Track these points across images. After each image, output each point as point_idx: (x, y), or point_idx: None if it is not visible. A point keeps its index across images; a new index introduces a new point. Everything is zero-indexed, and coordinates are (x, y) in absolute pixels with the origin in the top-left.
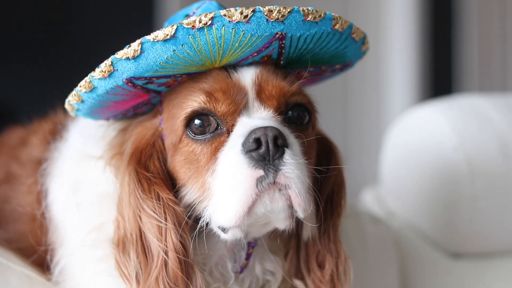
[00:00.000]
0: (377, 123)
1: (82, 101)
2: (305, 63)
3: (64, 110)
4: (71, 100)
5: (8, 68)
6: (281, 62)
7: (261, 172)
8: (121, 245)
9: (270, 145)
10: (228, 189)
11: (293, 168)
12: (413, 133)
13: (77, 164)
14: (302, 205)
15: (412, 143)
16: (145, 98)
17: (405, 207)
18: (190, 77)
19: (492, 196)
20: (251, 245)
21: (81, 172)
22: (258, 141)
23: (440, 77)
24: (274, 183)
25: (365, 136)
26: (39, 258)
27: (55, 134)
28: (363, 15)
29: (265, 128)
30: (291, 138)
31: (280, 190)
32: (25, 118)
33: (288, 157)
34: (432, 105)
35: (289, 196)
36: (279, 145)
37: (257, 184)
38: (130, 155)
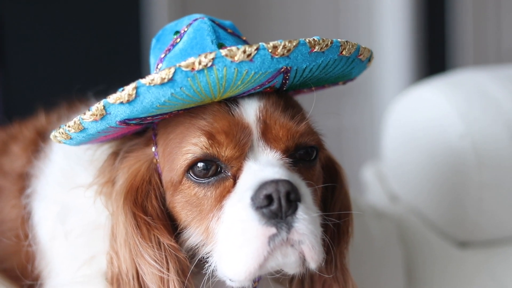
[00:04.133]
0: (372, 98)
1: (70, 138)
2: (308, 85)
3: (45, 114)
4: (58, 137)
5: None
6: (284, 89)
7: (273, 230)
8: (115, 283)
9: (283, 202)
10: (237, 244)
11: (306, 224)
12: (415, 114)
13: (64, 190)
14: (314, 258)
15: (415, 123)
16: (137, 128)
17: (408, 189)
18: (187, 111)
19: (500, 184)
20: (256, 279)
21: (69, 199)
22: (269, 197)
23: (434, 50)
24: (287, 239)
25: (360, 110)
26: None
27: (37, 146)
28: None
29: (277, 182)
30: (303, 188)
31: (292, 245)
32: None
33: (301, 212)
34: (433, 84)
35: (302, 250)
36: (292, 200)
37: (269, 242)
38: (125, 192)
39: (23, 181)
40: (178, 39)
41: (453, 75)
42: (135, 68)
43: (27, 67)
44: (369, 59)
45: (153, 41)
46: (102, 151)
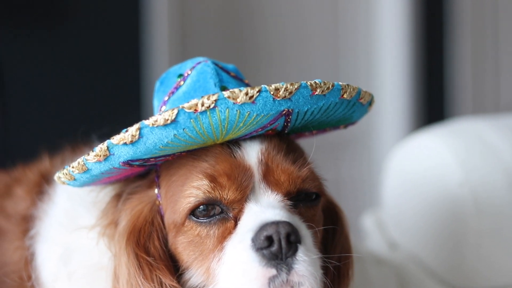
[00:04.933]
0: (371, 148)
1: (74, 179)
2: (309, 128)
3: (49, 157)
4: (62, 178)
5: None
6: (286, 131)
7: (273, 272)
8: None
9: (283, 243)
10: (238, 286)
11: (306, 266)
12: (415, 162)
13: (67, 231)
14: None
15: (414, 172)
16: (140, 170)
17: (408, 237)
18: (190, 152)
19: (499, 231)
20: None
21: (72, 241)
22: (270, 239)
23: (432, 100)
24: (287, 281)
25: (359, 160)
26: None
27: (41, 188)
28: (353, 43)
29: (277, 224)
30: (303, 230)
31: (292, 287)
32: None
33: (301, 254)
34: (433, 132)
35: None
36: (292, 241)
37: (269, 284)
38: (128, 233)
39: (26, 223)
40: (182, 82)
41: (452, 123)
42: (135, 110)
43: (27, 110)
44: (370, 103)
45: (157, 84)
46: (105, 193)
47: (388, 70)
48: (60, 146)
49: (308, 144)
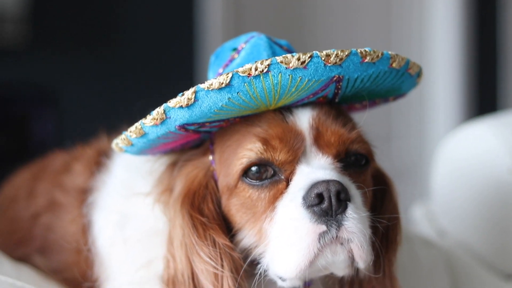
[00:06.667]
0: (422, 139)
1: (132, 145)
2: (359, 97)
3: (108, 136)
4: (119, 143)
5: (52, 54)
6: (336, 100)
7: (323, 228)
8: (171, 284)
9: (333, 200)
10: (289, 242)
11: (355, 223)
12: (465, 151)
13: (123, 199)
14: (363, 257)
15: (464, 160)
16: (195, 137)
17: (457, 225)
18: (243, 119)
19: None
20: (307, 284)
21: (128, 207)
22: (320, 196)
23: (485, 93)
24: (337, 237)
25: (410, 152)
26: None
27: (99, 163)
28: (407, 39)
29: (328, 182)
30: (353, 189)
31: (342, 244)
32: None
33: (351, 211)
34: (484, 122)
35: (351, 249)
36: (342, 199)
37: (319, 239)
38: (183, 196)
39: (84, 195)
40: (236, 55)
41: (502, 115)
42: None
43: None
44: (419, 75)
45: (212, 58)
46: (161, 163)
47: (441, 61)
48: (118, 126)
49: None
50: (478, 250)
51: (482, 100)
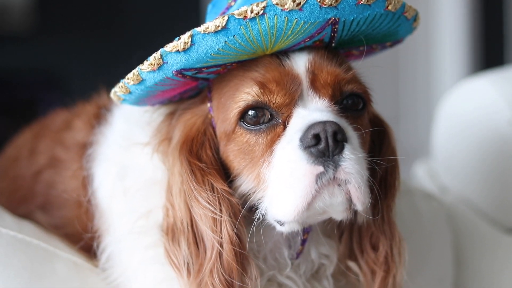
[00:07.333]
0: (428, 95)
1: (130, 93)
2: (356, 42)
3: (108, 93)
4: (118, 92)
5: (57, 38)
6: (333, 45)
7: (320, 169)
8: (170, 233)
9: (330, 141)
10: (286, 185)
11: (353, 163)
12: (465, 105)
13: (123, 150)
14: (361, 199)
15: (464, 115)
16: (193, 85)
17: (458, 180)
18: (240, 64)
19: None
20: (306, 230)
21: (128, 158)
22: (317, 137)
23: (491, 48)
24: (334, 178)
25: (416, 109)
26: (86, 244)
27: (100, 117)
28: None
29: (324, 123)
30: (349, 131)
31: (339, 185)
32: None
33: (348, 152)
34: (484, 76)
35: (349, 190)
36: (339, 140)
37: (316, 181)
38: (181, 143)
39: (84, 149)
40: (233, 3)
41: (504, 69)
42: None
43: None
44: (415, 19)
45: (209, 7)
46: (159, 114)
47: (448, 19)
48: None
49: None
50: (479, 205)
51: (488, 53)
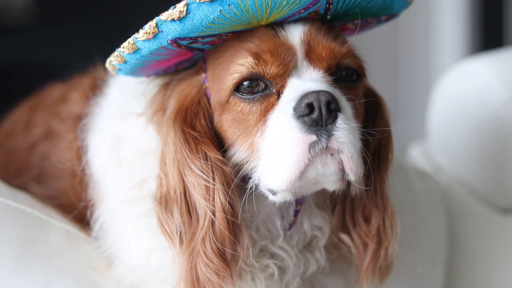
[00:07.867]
0: (426, 76)
1: (125, 62)
2: (351, 16)
3: (104, 66)
4: (113, 61)
5: (58, 30)
6: (328, 17)
7: (313, 138)
8: (163, 202)
9: (323, 110)
10: (279, 154)
11: (346, 133)
12: (461, 86)
13: (118, 120)
14: (353, 169)
15: (460, 96)
16: (188, 56)
17: (453, 161)
18: (235, 35)
19: None
20: (299, 201)
21: (122, 128)
22: (310, 106)
23: (491, 30)
24: (327, 148)
25: (414, 90)
26: (79, 214)
27: (95, 89)
28: None
29: (318, 92)
30: (343, 101)
31: (332, 154)
32: (67, 76)
33: (341, 121)
34: (481, 58)
35: (341, 160)
36: (332, 109)
37: (309, 149)
38: (175, 113)
39: (80, 121)
40: None
41: (500, 51)
42: None
43: None
44: None
45: None
46: (155, 84)
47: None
48: None
49: None
50: (474, 185)
51: (487, 35)
